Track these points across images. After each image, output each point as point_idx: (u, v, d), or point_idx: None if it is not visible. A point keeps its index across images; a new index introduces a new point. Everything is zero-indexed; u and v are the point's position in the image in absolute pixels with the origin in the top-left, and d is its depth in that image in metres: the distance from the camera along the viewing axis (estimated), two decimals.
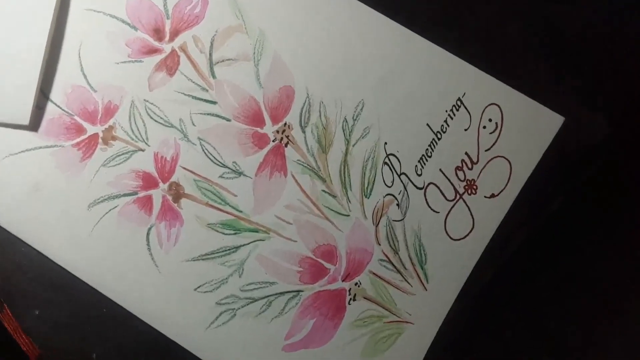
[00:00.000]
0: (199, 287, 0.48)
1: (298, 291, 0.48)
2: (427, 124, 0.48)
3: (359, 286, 0.48)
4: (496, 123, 0.47)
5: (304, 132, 0.48)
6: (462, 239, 0.48)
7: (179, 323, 0.48)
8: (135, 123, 0.49)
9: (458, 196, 0.48)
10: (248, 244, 0.48)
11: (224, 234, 0.48)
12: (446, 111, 0.48)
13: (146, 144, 0.49)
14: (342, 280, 0.48)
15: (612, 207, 0.51)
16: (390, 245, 0.48)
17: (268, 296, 0.48)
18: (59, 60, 0.50)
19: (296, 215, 0.48)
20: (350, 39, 0.48)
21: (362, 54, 0.48)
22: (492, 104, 0.47)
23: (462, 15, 0.50)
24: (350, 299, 0.48)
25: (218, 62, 0.49)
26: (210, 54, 0.49)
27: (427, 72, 0.48)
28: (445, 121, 0.48)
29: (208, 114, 0.49)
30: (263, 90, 0.49)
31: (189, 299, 0.48)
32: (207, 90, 0.49)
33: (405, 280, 0.48)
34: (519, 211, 0.48)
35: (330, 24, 0.48)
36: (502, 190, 0.47)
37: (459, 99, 0.48)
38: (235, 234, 0.48)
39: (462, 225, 0.48)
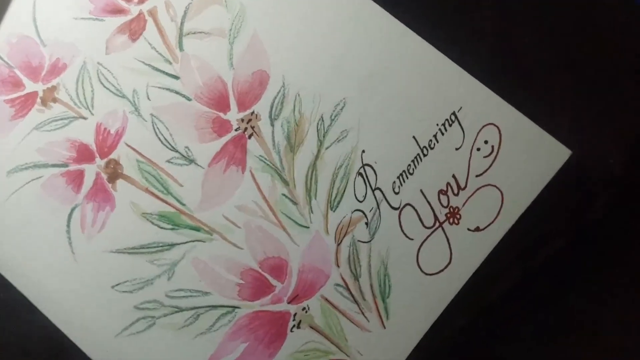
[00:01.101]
0: (118, 284, 0.40)
1: (234, 307, 0.40)
2: (414, 137, 0.41)
3: (306, 312, 0.40)
4: (492, 146, 0.41)
5: (272, 125, 0.42)
6: (436, 274, 0.40)
7: (86, 324, 0.39)
8: (83, 87, 0.43)
9: (437, 224, 0.40)
10: (185, 243, 0.40)
11: (159, 227, 0.40)
12: (437, 125, 0.41)
13: (90, 112, 0.42)
14: (288, 302, 0.40)
15: (617, 255, 0.44)
16: (350, 270, 0.40)
17: (197, 308, 0.40)
18: (10, 4, 0.43)
19: (247, 218, 0.40)
20: (340, 28, 0.42)
21: (351, 46, 0.42)
22: (490, 124, 0.41)
23: (469, 20, 0.45)
24: (294, 325, 0.40)
25: (189, 34, 0.43)
26: (182, 23, 0.43)
27: (422, 77, 0.42)
28: (435, 136, 0.41)
29: (167, 89, 0.42)
30: (234, 72, 0.42)
31: (103, 296, 0.40)
32: (170, 63, 0.42)
33: (362, 312, 0.40)
34: (507, 251, 0.41)
35: (320, 9, 0.43)
36: (489, 225, 0.40)
37: (453, 113, 0.41)
38: (173, 229, 0.40)
39: (438, 259, 0.40)
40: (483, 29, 0.46)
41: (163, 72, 0.43)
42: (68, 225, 0.41)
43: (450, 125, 0.42)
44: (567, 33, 0.47)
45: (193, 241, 0.41)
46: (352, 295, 0.40)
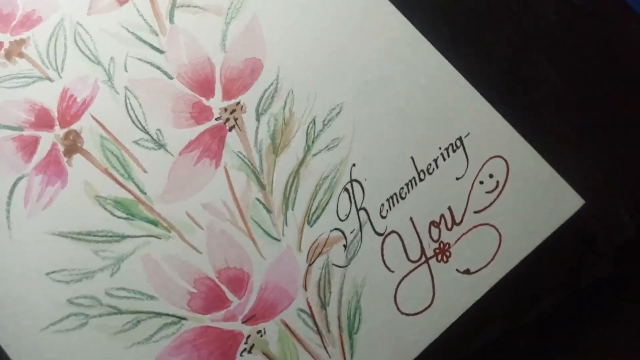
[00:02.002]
0: (53, 272, 0.35)
1: (180, 318, 0.35)
2: (412, 158, 0.36)
3: (261, 335, 0.35)
4: (497, 182, 0.36)
5: (258, 120, 0.37)
6: (413, 314, 0.35)
7: (10, 312, 0.34)
8: (55, 46, 0.38)
9: (424, 259, 0.36)
10: (138, 237, 0.35)
11: (112, 214, 0.36)
12: (440, 148, 0.37)
13: (58, 74, 0.37)
14: (243, 322, 0.35)
15: (617, 321, 0.39)
16: (319, 295, 0.35)
17: (139, 312, 0.35)
18: None
19: (212, 219, 0.36)
20: (347, 23, 0.38)
21: (357, 44, 0.38)
22: (498, 156, 0.36)
23: (489, 39, 0.40)
24: (245, 349, 0.35)
25: (182, 6, 0.39)
26: None
27: (430, 92, 0.37)
28: (435, 160, 0.36)
29: (148, 63, 0.38)
30: (225, 55, 0.38)
31: (35, 283, 0.35)
32: (157, 35, 0.38)
33: (324, 346, 0.35)
34: (495, 302, 0.36)
35: (330, 1, 0.38)
36: (480, 269, 0.36)
37: (459, 139, 0.37)
38: (127, 219, 0.35)
39: (418, 298, 0.35)
40: (501, 51, 0.42)
41: (147, 43, 0.38)
42: (9, 197, 0.36)
43: (454, 151, 0.37)
44: (586, 69, 0.42)
45: (147, 236, 0.36)
46: (316, 325, 0.35)
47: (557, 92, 0.41)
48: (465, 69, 0.38)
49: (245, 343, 0.35)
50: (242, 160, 0.37)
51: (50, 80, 0.38)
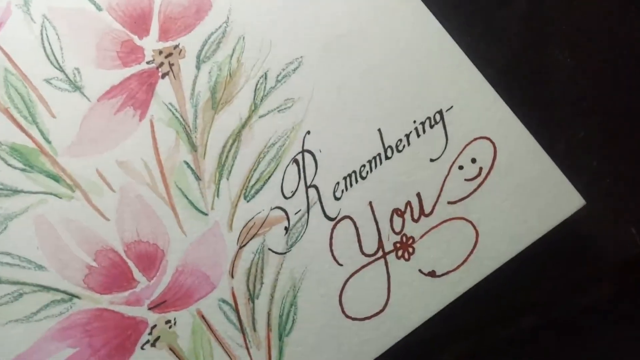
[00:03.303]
0: None
1: (73, 296, 0.28)
2: (379, 130, 0.30)
3: (170, 327, 0.28)
4: (480, 168, 0.29)
5: (198, 68, 0.30)
6: (360, 320, 0.28)
7: None
8: None
9: (381, 253, 0.29)
10: (34, 193, 0.29)
11: (7, 163, 0.29)
12: (414, 122, 0.30)
13: None
14: (149, 308, 0.28)
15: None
16: (247, 286, 0.29)
17: (23, 284, 0.28)
18: None
19: (128, 181, 0.29)
20: None
21: None
22: (485, 137, 0.29)
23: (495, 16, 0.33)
24: (148, 341, 0.28)
25: None
26: None
27: (410, 54, 0.30)
28: (408, 136, 0.29)
29: None
30: None
31: None
32: None
33: (247, 347, 0.28)
34: (466, 313, 0.29)
35: None
36: (449, 272, 0.29)
37: (439, 112, 0.30)
38: (24, 170, 0.29)
39: (369, 300, 0.28)
40: (510, 26, 0.35)
41: None
42: None
43: (431, 127, 0.30)
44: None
45: (45, 193, 0.29)
46: (240, 321, 0.29)
47: (573, 80, 0.34)
48: (458, 33, 0.31)
49: (150, 334, 0.28)
50: (173, 114, 0.30)
51: None
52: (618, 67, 0.36)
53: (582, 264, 0.33)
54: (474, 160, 0.30)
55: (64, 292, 0.28)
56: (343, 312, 0.29)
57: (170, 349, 0.28)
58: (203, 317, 0.29)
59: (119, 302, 0.29)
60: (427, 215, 0.30)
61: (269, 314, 0.29)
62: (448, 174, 0.30)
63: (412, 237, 0.29)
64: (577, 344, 0.35)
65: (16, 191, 0.29)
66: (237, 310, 0.29)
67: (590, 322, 0.35)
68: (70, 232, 0.29)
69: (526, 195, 0.29)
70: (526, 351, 0.34)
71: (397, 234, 0.30)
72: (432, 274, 0.29)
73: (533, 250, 0.30)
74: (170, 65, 0.31)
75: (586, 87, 0.35)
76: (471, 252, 0.29)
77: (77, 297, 0.29)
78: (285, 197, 0.30)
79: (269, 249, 0.29)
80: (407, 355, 0.30)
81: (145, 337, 0.28)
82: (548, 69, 0.35)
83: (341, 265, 0.29)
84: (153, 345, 0.28)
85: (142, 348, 0.28)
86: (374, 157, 0.30)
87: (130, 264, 0.29)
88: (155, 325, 0.29)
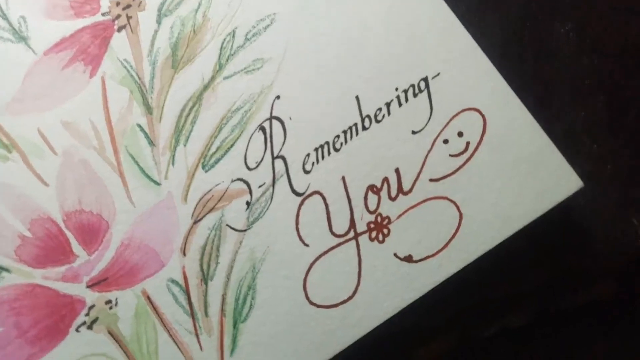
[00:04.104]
0: None
1: (1, 269, 0.25)
2: (357, 97, 0.26)
3: (110, 307, 0.25)
4: (467, 143, 0.26)
5: (159, 22, 0.27)
6: (326, 307, 0.25)
7: None
8: None
9: (352, 234, 0.25)
10: None
11: None
12: (396, 89, 0.26)
13: None
14: (88, 286, 0.25)
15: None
16: (201, 265, 0.25)
17: None
18: None
19: (72, 144, 0.26)
20: None
21: None
22: (474, 109, 0.26)
23: None
24: (84, 323, 0.24)
25: None
26: None
27: (396, 14, 0.27)
28: (388, 105, 0.26)
29: None
30: None
31: None
32: None
33: (197, 334, 0.25)
34: (446, 304, 0.25)
35: None
36: (428, 257, 0.25)
37: (425, 79, 0.26)
38: None
39: (337, 285, 0.25)
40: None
41: None
42: None
43: (415, 95, 0.27)
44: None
45: None
46: (190, 304, 0.25)
47: (576, 56, 0.31)
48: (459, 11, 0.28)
49: (87, 315, 0.25)
50: (128, 71, 0.27)
51: None
52: (625, 45, 0.32)
53: (577, 257, 0.30)
54: (460, 134, 0.27)
55: None
56: (307, 298, 0.26)
57: (110, 333, 0.25)
58: (149, 298, 0.25)
59: (54, 278, 0.25)
60: (405, 194, 0.26)
61: (223, 298, 0.26)
62: (431, 149, 0.27)
63: (388, 217, 0.26)
64: (570, 345, 0.32)
65: None
66: (187, 292, 0.26)
67: (584, 321, 0.32)
68: (3, 197, 0.26)
69: (517, 175, 0.26)
70: (513, 351, 0.31)
71: (371, 213, 0.26)
72: (408, 258, 0.26)
73: (524, 239, 0.27)
74: (128, 18, 0.28)
75: (589, 65, 0.32)
76: (453, 236, 0.26)
77: (6, 270, 0.25)
78: (248, 168, 0.27)
79: (227, 225, 0.26)
80: (378, 349, 0.26)
81: (81, 319, 0.25)
82: (549, 43, 0.32)
83: (307, 245, 0.26)
84: (90, 327, 0.25)
85: (77, 330, 0.25)
86: (350, 128, 0.27)
87: (69, 235, 0.26)
88: (93, 306, 0.25)
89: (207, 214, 0.26)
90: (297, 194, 0.27)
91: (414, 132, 0.27)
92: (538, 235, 0.27)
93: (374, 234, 0.26)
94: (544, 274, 0.30)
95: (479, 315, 0.29)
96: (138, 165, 0.27)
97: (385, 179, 0.27)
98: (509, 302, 0.29)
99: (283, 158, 0.27)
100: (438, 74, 0.27)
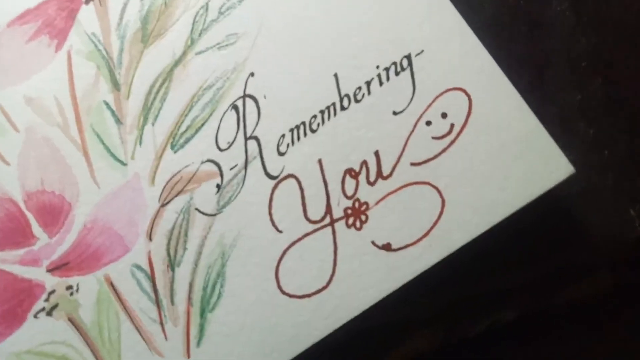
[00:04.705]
0: None
1: None
2: (335, 75, 0.25)
3: (71, 293, 0.23)
4: (452, 125, 0.24)
5: None
6: (300, 297, 0.24)
7: None
8: None
9: (328, 220, 0.24)
10: None
11: None
12: (377, 67, 0.25)
13: None
14: (48, 270, 0.24)
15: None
16: (168, 250, 0.24)
17: None
18: None
19: (35, 121, 0.24)
20: None
21: None
22: (459, 89, 0.24)
23: None
24: (43, 309, 0.23)
25: None
26: None
27: None
28: (368, 84, 0.25)
29: None
30: None
31: None
32: None
33: (161, 323, 0.24)
34: (427, 296, 0.24)
35: None
36: (407, 245, 0.24)
37: (408, 57, 0.25)
38: None
39: (311, 274, 0.24)
40: None
41: None
42: None
43: (397, 74, 0.25)
44: None
45: None
46: (156, 291, 0.24)
47: (572, 36, 0.29)
48: None
49: (46, 300, 0.24)
50: (95, 45, 0.26)
51: None
52: (625, 25, 0.30)
53: (570, 249, 0.28)
54: (444, 115, 0.25)
55: None
56: (279, 287, 0.24)
57: (70, 320, 0.24)
58: (112, 284, 0.24)
59: (12, 261, 0.24)
60: (385, 178, 0.25)
61: (190, 285, 0.24)
62: (413, 130, 0.25)
63: (366, 203, 0.25)
64: (562, 341, 0.30)
65: None
66: (152, 279, 0.24)
67: (578, 318, 0.30)
68: None
69: (504, 159, 0.25)
70: (501, 349, 0.29)
71: (348, 198, 0.25)
72: (387, 247, 0.24)
73: (512, 230, 0.25)
74: None
75: (587, 45, 0.30)
76: (435, 224, 0.24)
77: None
78: (219, 149, 0.25)
79: (196, 209, 0.25)
80: (354, 343, 0.25)
81: (40, 304, 0.24)
82: (544, 21, 0.30)
83: (280, 231, 0.25)
84: (49, 314, 0.24)
85: (35, 317, 0.24)
86: (328, 107, 0.25)
87: (30, 216, 0.24)
88: (53, 291, 0.24)
89: (175, 196, 0.25)
90: (271, 177, 0.25)
91: (395, 113, 0.25)
92: (529, 226, 0.26)
93: (351, 221, 0.25)
94: (534, 266, 0.29)
95: (465, 310, 0.28)
96: (104, 144, 0.25)
97: (364, 163, 0.25)
98: (496, 296, 0.28)
99: (256, 139, 0.25)
100: (422, 51, 0.26)
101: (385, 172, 0.25)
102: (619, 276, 0.30)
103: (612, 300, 0.31)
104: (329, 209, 0.25)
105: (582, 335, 0.31)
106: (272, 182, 0.25)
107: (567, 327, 0.31)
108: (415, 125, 0.25)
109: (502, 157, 0.25)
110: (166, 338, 0.24)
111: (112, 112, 0.25)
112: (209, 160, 0.25)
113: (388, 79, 0.25)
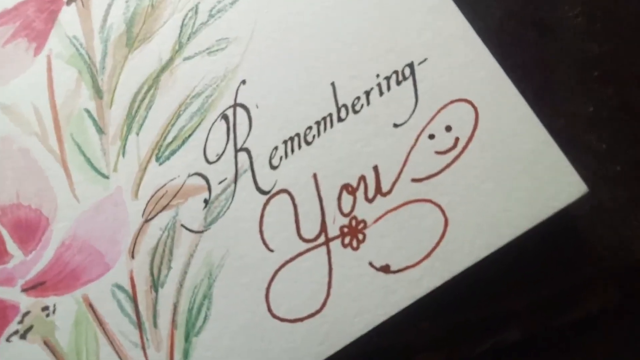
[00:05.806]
0: None
1: None
2: (332, 84, 0.23)
3: (47, 315, 0.22)
4: (456, 139, 0.23)
5: None
6: (291, 321, 0.22)
7: None
8: None
9: (323, 239, 0.22)
10: None
11: None
12: (377, 76, 0.23)
13: None
14: (23, 290, 0.22)
15: None
16: (151, 269, 0.22)
17: None
18: None
19: (12, 130, 0.23)
20: None
21: None
22: (465, 100, 0.23)
23: None
24: (17, 332, 0.22)
25: None
26: None
27: None
28: (368, 94, 0.23)
29: None
30: None
31: None
32: None
33: (143, 347, 0.22)
34: (428, 321, 0.22)
35: None
36: (407, 267, 0.22)
37: (410, 66, 0.23)
38: None
39: (303, 297, 0.22)
40: None
41: None
42: None
43: (398, 84, 0.23)
44: None
45: None
46: (137, 314, 0.22)
47: (583, 44, 0.28)
48: None
49: (20, 322, 0.22)
50: (77, 49, 0.24)
51: None
52: (639, 32, 0.29)
53: (579, 269, 0.27)
54: (448, 129, 0.23)
55: None
56: (269, 310, 0.23)
57: (45, 343, 0.22)
58: (91, 305, 0.23)
59: None
60: (384, 195, 0.23)
61: (175, 307, 0.23)
62: (415, 144, 0.23)
63: (364, 221, 0.23)
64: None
65: None
66: (134, 300, 0.23)
67: (585, 339, 0.29)
68: None
69: (511, 177, 0.23)
70: None
71: (345, 215, 0.23)
72: (385, 268, 0.23)
73: (518, 248, 0.23)
74: None
75: (599, 54, 0.28)
76: (437, 245, 0.23)
77: None
78: (208, 162, 0.24)
79: (182, 226, 0.23)
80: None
81: (13, 327, 0.22)
82: (554, 27, 0.29)
83: (272, 251, 0.23)
84: (23, 337, 0.22)
85: (8, 340, 0.22)
86: (324, 118, 0.24)
87: (4, 232, 0.23)
88: (28, 312, 0.22)
89: (159, 212, 0.23)
90: (262, 192, 0.24)
91: (395, 125, 0.24)
92: (536, 244, 0.24)
93: (347, 240, 0.23)
94: (540, 286, 0.27)
95: (468, 333, 0.26)
96: (84, 155, 0.24)
97: (362, 178, 0.23)
98: (501, 318, 0.26)
99: (247, 151, 0.24)
100: (425, 60, 0.24)
101: (385, 188, 0.23)
102: (628, 298, 0.28)
103: (619, 319, 0.29)
104: (323, 227, 0.23)
105: (588, 355, 0.30)
106: (264, 198, 0.24)
107: (573, 345, 0.30)
108: (417, 139, 0.24)
109: (509, 174, 0.23)
110: None
111: (94, 120, 0.24)
112: (196, 174, 0.24)
113: (389, 88, 0.24)
